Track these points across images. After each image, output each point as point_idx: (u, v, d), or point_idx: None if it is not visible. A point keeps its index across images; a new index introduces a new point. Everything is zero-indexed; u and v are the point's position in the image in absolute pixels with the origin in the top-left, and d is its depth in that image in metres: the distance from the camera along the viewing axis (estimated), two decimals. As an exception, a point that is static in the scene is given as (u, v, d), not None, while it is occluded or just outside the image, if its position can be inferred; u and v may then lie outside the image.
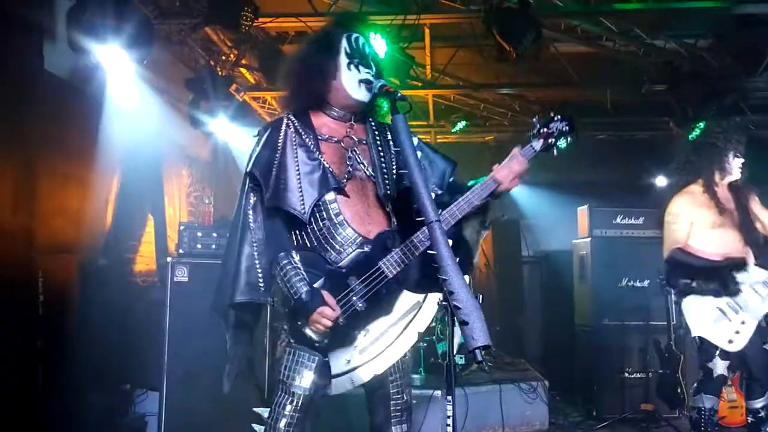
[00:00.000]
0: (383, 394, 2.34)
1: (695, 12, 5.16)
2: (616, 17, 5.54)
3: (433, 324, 5.43)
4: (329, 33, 2.43)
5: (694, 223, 3.75)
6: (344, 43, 2.37)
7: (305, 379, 2.21)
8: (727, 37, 5.81)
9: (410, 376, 2.47)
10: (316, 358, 2.22)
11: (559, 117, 2.39)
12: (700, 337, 3.70)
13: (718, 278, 3.66)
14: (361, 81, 2.33)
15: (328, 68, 2.35)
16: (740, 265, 3.67)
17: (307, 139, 2.34)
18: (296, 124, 2.36)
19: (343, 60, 2.35)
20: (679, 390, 5.27)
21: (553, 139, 2.38)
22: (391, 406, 2.34)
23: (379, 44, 4.57)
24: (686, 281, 3.74)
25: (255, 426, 2.33)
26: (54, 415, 3.75)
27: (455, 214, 2.29)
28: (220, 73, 5.60)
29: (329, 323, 2.14)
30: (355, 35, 2.40)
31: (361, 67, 2.35)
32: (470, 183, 2.38)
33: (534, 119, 2.42)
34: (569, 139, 2.40)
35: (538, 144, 2.38)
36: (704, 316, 3.68)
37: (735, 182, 3.86)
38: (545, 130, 2.38)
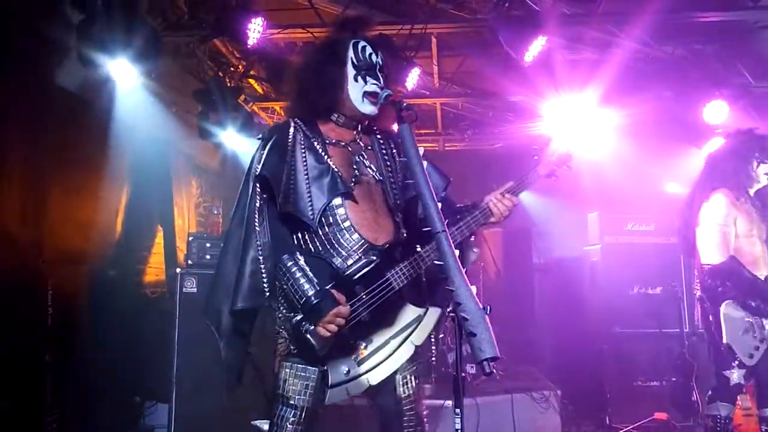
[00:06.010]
0: (397, 410, 2.30)
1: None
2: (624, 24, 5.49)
3: (442, 335, 5.40)
4: (336, 41, 2.38)
5: (736, 229, 3.70)
6: (351, 52, 2.32)
7: (305, 391, 2.19)
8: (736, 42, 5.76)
9: (423, 387, 2.44)
10: (315, 369, 2.19)
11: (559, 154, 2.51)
12: (728, 344, 3.66)
13: (761, 297, 3.62)
14: (366, 93, 2.30)
15: (336, 79, 2.31)
16: None
17: (315, 143, 2.31)
18: (303, 127, 2.34)
19: (350, 71, 2.32)
20: (693, 398, 5.21)
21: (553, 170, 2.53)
22: (404, 421, 2.30)
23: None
24: (735, 293, 3.66)
25: None
26: (62, 428, 3.74)
27: (456, 237, 2.29)
28: (228, 84, 5.62)
29: (342, 322, 2.08)
30: (362, 43, 2.35)
31: (368, 78, 2.31)
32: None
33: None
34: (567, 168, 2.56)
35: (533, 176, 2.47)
36: (735, 326, 3.65)
37: (762, 190, 3.81)
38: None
